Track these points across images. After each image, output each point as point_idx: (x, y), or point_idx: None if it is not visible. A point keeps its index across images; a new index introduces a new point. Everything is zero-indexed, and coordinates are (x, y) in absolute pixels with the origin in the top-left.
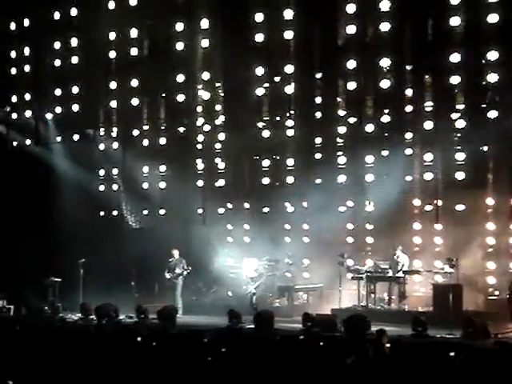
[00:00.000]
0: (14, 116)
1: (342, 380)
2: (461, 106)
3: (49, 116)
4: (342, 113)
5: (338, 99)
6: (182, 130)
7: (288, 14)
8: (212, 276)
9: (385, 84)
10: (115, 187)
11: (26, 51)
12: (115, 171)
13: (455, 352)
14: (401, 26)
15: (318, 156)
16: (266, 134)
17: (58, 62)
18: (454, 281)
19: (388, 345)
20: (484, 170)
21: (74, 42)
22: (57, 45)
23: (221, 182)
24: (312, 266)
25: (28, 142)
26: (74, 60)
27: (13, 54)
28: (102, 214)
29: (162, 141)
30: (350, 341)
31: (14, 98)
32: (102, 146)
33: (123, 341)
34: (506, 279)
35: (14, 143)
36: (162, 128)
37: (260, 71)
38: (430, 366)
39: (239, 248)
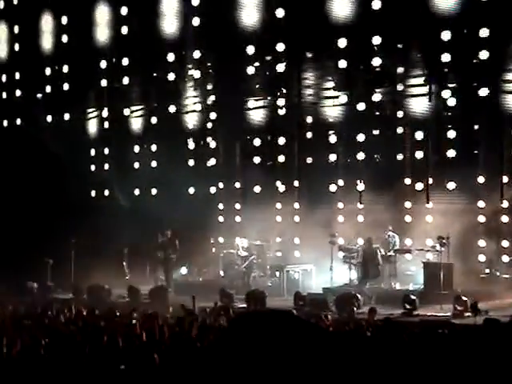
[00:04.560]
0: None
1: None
2: (452, 85)
3: (39, 95)
4: (333, 92)
5: (329, 78)
6: (173, 109)
7: None
8: (203, 256)
9: (376, 62)
10: (106, 167)
11: (16, 30)
12: (106, 151)
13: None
14: (392, 4)
15: (309, 135)
16: (257, 113)
17: (48, 42)
18: (444, 259)
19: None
20: (475, 148)
21: (64, 20)
22: (47, 24)
23: (212, 162)
24: (303, 246)
25: (19, 121)
26: (64, 39)
27: (2, 34)
28: (93, 193)
29: (154, 120)
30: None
31: (4, 78)
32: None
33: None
34: (497, 257)
35: (5, 123)
36: (154, 107)
37: (251, 50)
38: (420, 344)
39: (230, 227)
